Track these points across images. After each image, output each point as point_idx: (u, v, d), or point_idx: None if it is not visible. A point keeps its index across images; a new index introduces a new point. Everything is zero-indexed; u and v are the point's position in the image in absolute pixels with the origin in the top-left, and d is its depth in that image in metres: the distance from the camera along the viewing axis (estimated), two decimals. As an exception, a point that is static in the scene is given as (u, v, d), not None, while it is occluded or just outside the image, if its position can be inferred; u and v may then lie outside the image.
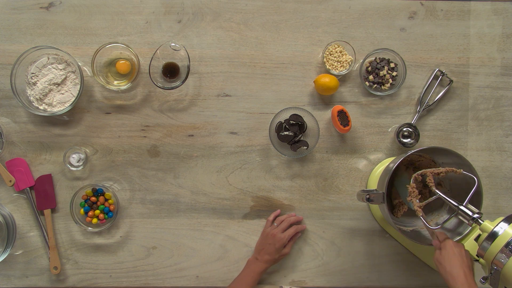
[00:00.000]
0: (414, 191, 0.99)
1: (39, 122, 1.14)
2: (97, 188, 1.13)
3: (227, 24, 1.15)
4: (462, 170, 0.98)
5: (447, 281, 0.88)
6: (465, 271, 0.87)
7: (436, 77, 1.17)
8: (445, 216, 1.07)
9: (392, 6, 1.17)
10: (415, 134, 1.15)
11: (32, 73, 1.10)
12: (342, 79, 1.16)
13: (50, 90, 1.11)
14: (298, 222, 1.16)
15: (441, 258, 0.91)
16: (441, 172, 1.00)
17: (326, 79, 1.12)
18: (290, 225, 1.13)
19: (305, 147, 1.13)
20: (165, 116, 1.15)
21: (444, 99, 1.17)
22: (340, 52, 1.14)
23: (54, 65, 1.11)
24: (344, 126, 1.11)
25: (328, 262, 1.17)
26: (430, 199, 0.99)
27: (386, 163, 1.14)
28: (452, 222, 1.03)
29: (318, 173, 1.17)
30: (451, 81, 1.16)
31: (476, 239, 0.92)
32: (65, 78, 1.11)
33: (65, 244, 1.14)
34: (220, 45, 1.15)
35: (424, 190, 1.10)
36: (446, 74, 1.16)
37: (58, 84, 1.11)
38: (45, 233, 1.13)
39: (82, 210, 1.12)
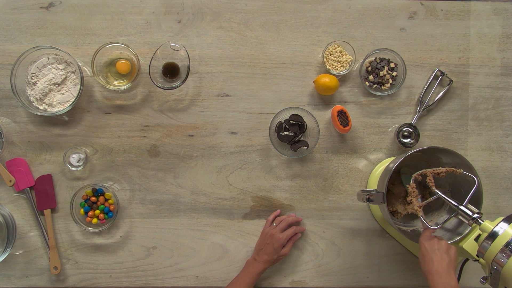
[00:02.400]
0: (414, 191, 1.00)
1: (39, 122, 1.14)
2: (97, 188, 1.13)
3: (227, 24, 1.15)
4: (462, 170, 0.98)
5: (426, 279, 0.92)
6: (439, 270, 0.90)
7: (436, 77, 1.17)
8: (445, 216, 1.07)
9: (392, 6, 1.17)
10: (415, 134, 1.15)
11: (32, 73, 1.10)
12: (342, 79, 1.17)
13: (50, 90, 1.11)
14: (298, 224, 1.16)
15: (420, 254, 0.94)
16: (441, 172, 1.00)
17: (326, 79, 1.12)
18: (290, 226, 1.13)
19: (305, 147, 1.13)
20: (165, 116, 1.15)
21: (444, 99, 1.17)
22: (340, 52, 1.14)
23: (54, 65, 1.11)
24: (344, 126, 1.11)
25: (328, 262, 1.17)
26: (430, 199, 1.00)
27: (386, 163, 1.14)
28: (452, 222, 1.03)
29: (318, 173, 1.17)
30: (451, 81, 1.16)
31: (476, 239, 0.92)
32: (65, 78, 1.11)
33: (65, 244, 1.14)
34: (220, 45, 1.15)
35: (424, 190, 1.10)
36: (446, 74, 1.16)
37: (58, 84, 1.11)
38: (45, 233, 1.13)
39: (82, 210, 1.12)
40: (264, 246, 1.11)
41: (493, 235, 0.86)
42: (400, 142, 1.15)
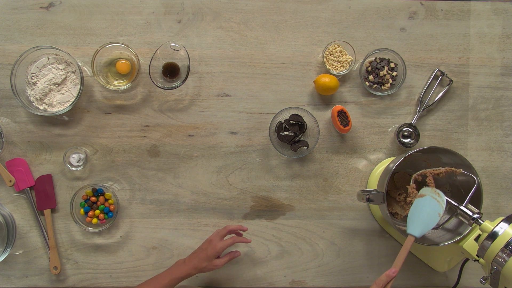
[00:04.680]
0: (413, 192, 0.99)
1: (39, 122, 1.14)
2: (97, 188, 1.13)
3: (227, 24, 1.15)
4: (462, 170, 0.98)
5: None
6: None
7: (436, 77, 1.17)
8: (445, 216, 1.07)
9: (392, 6, 1.17)
10: (415, 134, 1.15)
11: (32, 73, 1.10)
12: (342, 79, 1.17)
13: (50, 90, 1.11)
14: (242, 234, 1.09)
15: None
16: (440, 173, 1.00)
17: (326, 79, 1.12)
18: (231, 233, 1.06)
19: (305, 147, 1.13)
20: (165, 116, 1.15)
21: (444, 99, 1.17)
22: (340, 52, 1.14)
23: (54, 65, 1.11)
24: (344, 126, 1.11)
25: (328, 262, 1.17)
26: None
27: (386, 163, 1.14)
28: (452, 222, 1.03)
29: (318, 173, 1.17)
30: (451, 81, 1.16)
31: (476, 239, 0.92)
32: (65, 78, 1.11)
33: (65, 244, 1.14)
34: (220, 45, 1.15)
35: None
36: (446, 74, 1.16)
37: (58, 84, 1.11)
38: (45, 233, 1.13)
39: (82, 210, 1.12)
40: (199, 250, 1.04)
41: (493, 235, 0.86)
42: (400, 142, 1.15)
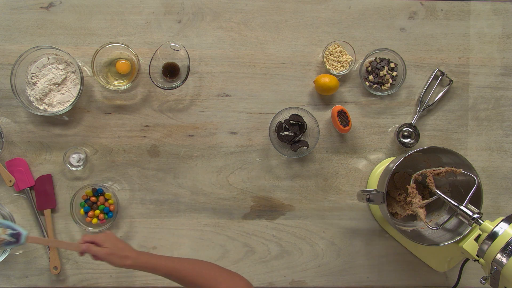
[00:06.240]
0: (413, 192, 1.00)
1: (39, 122, 1.14)
2: (97, 188, 1.13)
3: (227, 24, 1.15)
4: (461, 169, 0.98)
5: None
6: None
7: (436, 77, 1.17)
8: (445, 216, 1.07)
9: (392, 6, 1.17)
10: (415, 134, 1.15)
11: (32, 73, 1.10)
12: (342, 79, 1.17)
13: (50, 90, 1.11)
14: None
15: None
16: (441, 173, 1.00)
17: (326, 79, 1.12)
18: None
19: (305, 147, 1.13)
20: (165, 116, 1.15)
21: (444, 99, 1.17)
22: (340, 52, 1.14)
23: (54, 65, 1.11)
24: (344, 126, 1.11)
25: (328, 262, 1.17)
26: (430, 199, 1.00)
27: (386, 163, 1.14)
28: (453, 222, 1.03)
29: (318, 173, 1.17)
30: (451, 81, 1.16)
31: (476, 239, 0.93)
32: (65, 78, 1.11)
33: (65, 244, 1.15)
34: (220, 45, 1.15)
35: (424, 190, 1.10)
36: (446, 74, 1.16)
37: (58, 84, 1.11)
38: (45, 233, 1.13)
39: (82, 210, 1.12)
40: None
41: (493, 235, 0.86)
42: (400, 142, 1.15)
